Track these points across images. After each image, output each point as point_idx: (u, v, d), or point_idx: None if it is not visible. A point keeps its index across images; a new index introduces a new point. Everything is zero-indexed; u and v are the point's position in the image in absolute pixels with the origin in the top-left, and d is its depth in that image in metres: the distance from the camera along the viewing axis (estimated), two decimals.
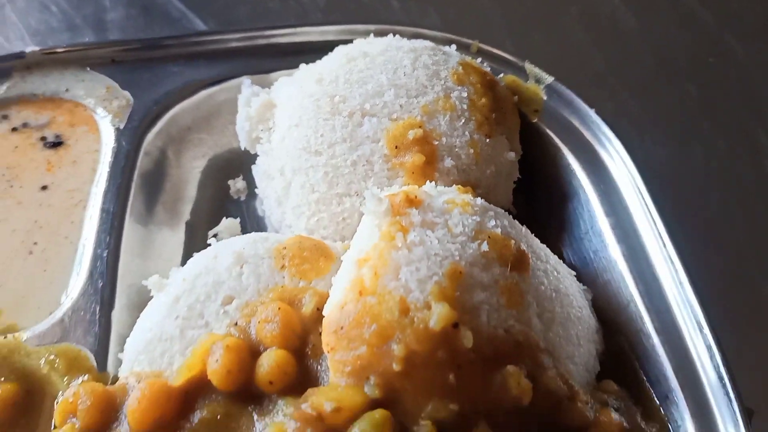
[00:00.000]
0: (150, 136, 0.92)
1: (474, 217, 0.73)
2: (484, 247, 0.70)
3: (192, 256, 0.81)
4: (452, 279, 0.68)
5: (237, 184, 0.96)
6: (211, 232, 0.90)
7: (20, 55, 0.95)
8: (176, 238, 0.89)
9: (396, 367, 0.63)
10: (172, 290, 0.77)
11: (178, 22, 1.14)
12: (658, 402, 0.75)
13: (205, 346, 0.68)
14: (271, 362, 0.67)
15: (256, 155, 0.91)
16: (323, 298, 0.74)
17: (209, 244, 0.82)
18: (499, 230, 0.73)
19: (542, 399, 0.68)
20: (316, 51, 0.97)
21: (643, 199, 0.83)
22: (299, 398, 0.66)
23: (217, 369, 0.66)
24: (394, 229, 0.70)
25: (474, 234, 0.71)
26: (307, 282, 0.77)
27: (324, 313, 0.70)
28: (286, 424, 0.62)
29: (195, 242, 0.89)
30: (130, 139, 0.90)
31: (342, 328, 0.66)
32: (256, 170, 0.90)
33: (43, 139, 0.91)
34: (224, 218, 0.91)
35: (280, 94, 0.91)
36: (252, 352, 0.69)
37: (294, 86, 0.90)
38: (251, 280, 0.76)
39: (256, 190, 0.90)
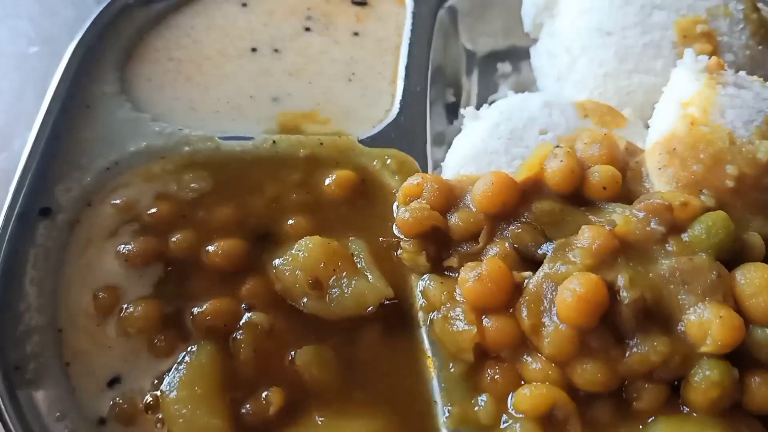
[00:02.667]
0: (443, 10, 1.03)
1: None
2: None
3: None
4: None
5: (504, 67, 1.08)
6: (491, 98, 1.02)
7: None
8: None
9: (729, 184, 0.72)
10: (491, 118, 0.87)
11: None
12: None
13: (545, 151, 0.77)
14: (604, 171, 0.76)
15: (533, 41, 1.02)
16: (630, 143, 0.83)
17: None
18: None
19: None
20: None
21: None
22: (628, 205, 0.75)
23: (560, 168, 0.75)
24: (714, 82, 0.79)
25: None
26: (608, 130, 0.86)
27: (648, 141, 0.79)
28: (634, 214, 0.70)
29: None
30: (428, 8, 1.01)
31: (675, 149, 0.75)
32: (535, 52, 1.01)
33: None
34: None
35: None
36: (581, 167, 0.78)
37: None
38: (561, 120, 0.86)
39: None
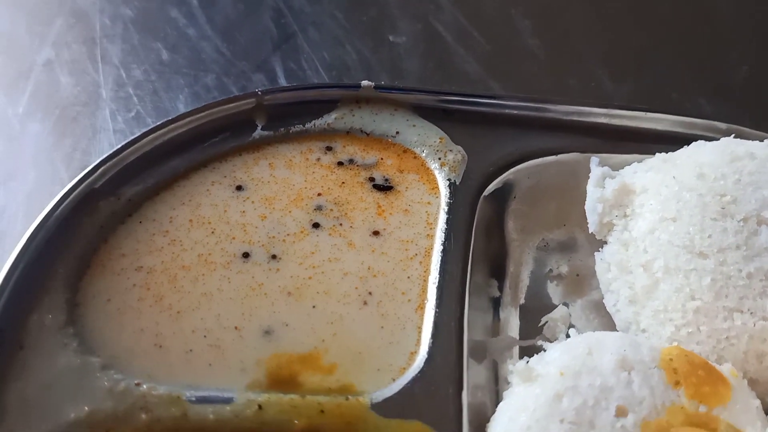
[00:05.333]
0: (483, 198, 0.84)
1: None
2: None
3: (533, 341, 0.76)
4: None
5: (561, 268, 0.88)
6: (543, 318, 0.81)
7: (354, 87, 0.89)
8: (512, 318, 0.81)
9: None
10: (549, 385, 0.65)
11: (476, 84, 1.08)
12: None
13: None
14: None
15: (600, 242, 0.83)
16: None
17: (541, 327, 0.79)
18: None
19: None
20: (663, 140, 0.90)
21: None
22: None
23: None
24: None
25: None
26: (707, 407, 0.65)
27: None
28: None
29: (528, 324, 0.81)
30: (467, 197, 0.82)
31: None
32: (602, 260, 0.80)
33: (371, 179, 0.84)
34: (560, 305, 0.83)
35: (638, 179, 0.82)
36: None
37: (661, 174, 0.81)
38: (645, 392, 0.64)
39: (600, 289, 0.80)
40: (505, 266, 0.87)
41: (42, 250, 0.71)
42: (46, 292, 0.68)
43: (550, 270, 0.87)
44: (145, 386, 0.63)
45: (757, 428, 0.65)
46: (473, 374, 0.72)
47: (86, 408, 0.61)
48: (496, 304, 0.85)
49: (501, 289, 0.86)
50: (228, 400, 0.64)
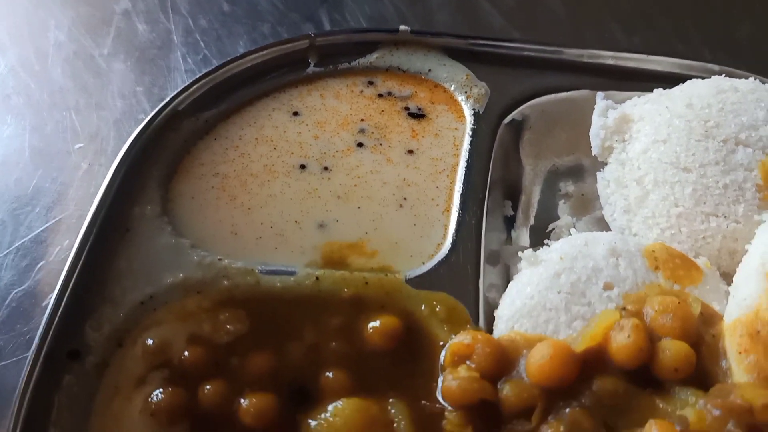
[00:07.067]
0: (503, 126, 0.98)
1: None
2: None
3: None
4: None
5: (567, 187, 1.01)
6: (550, 225, 0.96)
7: (393, 31, 1.04)
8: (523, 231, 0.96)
9: None
10: (551, 266, 0.80)
11: (500, 32, 1.21)
12: None
13: (610, 321, 0.71)
14: (676, 350, 0.69)
15: (602, 163, 0.96)
16: (705, 306, 0.76)
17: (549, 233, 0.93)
18: None
19: None
20: (663, 80, 1.02)
21: None
22: (701, 391, 0.68)
23: (627, 344, 0.68)
24: None
25: None
26: (680, 287, 0.79)
27: (727, 317, 0.72)
28: (708, 411, 0.63)
29: (537, 236, 0.95)
30: (489, 124, 0.96)
31: (759, 332, 0.68)
32: (602, 178, 0.93)
33: (406, 108, 0.98)
34: (564, 215, 0.97)
35: (636, 110, 0.95)
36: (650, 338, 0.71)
37: (656, 105, 0.94)
38: (629, 273, 0.79)
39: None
40: (519, 187, 1.01)
41: (139, 158, 0.87)
42: (144, 189, 0.85)
43: (559, 190, 1.01)
44: (225, 261, 0.80)
45: (723, 305, 0.78)
46: (488, 275, 0.87)
47: (181, 275, 0.78)
48: (510, 221, 0.99)
49: (515, 208, 1.00)
50: (291, 273, 0.80)
